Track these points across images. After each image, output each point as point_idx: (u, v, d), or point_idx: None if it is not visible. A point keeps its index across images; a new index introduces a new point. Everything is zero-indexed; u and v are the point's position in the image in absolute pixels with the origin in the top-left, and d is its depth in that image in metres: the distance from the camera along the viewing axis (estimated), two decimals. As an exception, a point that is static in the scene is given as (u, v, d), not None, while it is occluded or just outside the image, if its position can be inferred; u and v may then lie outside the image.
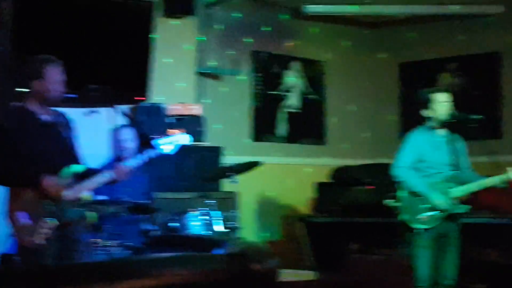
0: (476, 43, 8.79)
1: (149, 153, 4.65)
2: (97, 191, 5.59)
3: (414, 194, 5.34)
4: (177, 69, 7.68)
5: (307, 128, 9.15)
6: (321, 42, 9.25)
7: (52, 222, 4.40)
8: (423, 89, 5.56)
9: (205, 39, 8.10)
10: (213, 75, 8.28)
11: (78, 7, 6.68)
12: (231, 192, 6.75)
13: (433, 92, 5.45)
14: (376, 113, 9.52)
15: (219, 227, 5.99)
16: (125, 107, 7.06)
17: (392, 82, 9.43)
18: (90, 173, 4.62)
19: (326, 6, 8.54)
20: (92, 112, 6.31)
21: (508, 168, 5.24)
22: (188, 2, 7.53)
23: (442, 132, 5.48)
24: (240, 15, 8.47)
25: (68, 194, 4.47)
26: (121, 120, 6.74)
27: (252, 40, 8.62)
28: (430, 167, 5.40)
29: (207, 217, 5.94)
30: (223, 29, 8.36)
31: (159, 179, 6.49)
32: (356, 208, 7.58)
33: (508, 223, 6.86)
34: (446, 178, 5.39)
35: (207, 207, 6.02)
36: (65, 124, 4.69)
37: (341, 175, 7.97)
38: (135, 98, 7.03)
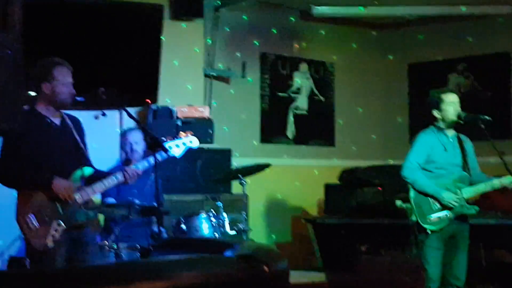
0: (485, 44, 8.77)
1: (158, 156, 4.65)
2: (106, 193, 5.62)
3: (424, 195, 5.33)
4: (185, 71, 7.69)
5: (316, 129, 9.14)
6: (329, 43, 9.25)
7: (61, 225, 4.41)
8: (433, 90, 5.55)
9: (213, 41, 8.10)
10: (221, 77, 8.28)
11: (87, 9, 6.69)
12: (240, 194, 6.73)
13: (442, 93, 5.44)
14: (384, 115, 9.51)
15: (228, 229, 5.98)
16: (134, 110, 7.07)
17: (401, 84, 9.41)
18: (99, 175, 4.62)
19: (334, 7, 8.53)
20: (101, 115, 6.32)
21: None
22: (197, 4, 7.54)
23: (451, 133, 5.48)
24: (248, 17, 8.48)
25: (77, 196, 4.47)
26: (130, 123, 6.75)
27: (260, 42, 8.62)
28: (440, 168, 5.39)
29: (217, 219, 5.93)
30: (231, 31, 8.36)
31: (168, 182, 6.49)
32: (365, 209, 7.56)
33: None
34: (455, 179, 5.38)
35: (216, 209, 6.02)
36: (75, 126, 4.69)
37: (350, 177, 7.95)
38: (144, 100, 7.03)
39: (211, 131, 7.30)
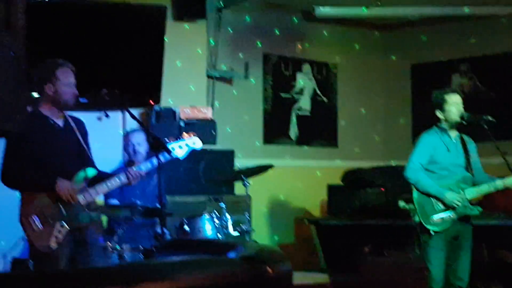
0: (488, 44, 8.76)
1: (161, 157, 4.65)
2: (109, 195, 5.62)
3: (427, 195, 5.32)
4: (188, 72, 7.69)
5: (318, 130, 9.14)
6: (332, 44, 9.25)
7: (64, 226, 4.41)
8: (435, 90, 5.54)
9: (216, 42, 8.10)
10: (224, 78, 8.28)
11: (90, 11, 6.69)
12: (243, 195, 6.73)
13: (445, 93, 5.44)
14: (387, 115, 9.51)
15: (231, 231, 5.98)
16: (137, 111, 7.07)
17: (404, 84, 9.41)
18: (102, 177, 4.62)
19: (337, 8, 8.53)
20: (104, 116, 6.31)
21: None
22: (199, 5, 7.54)
23: (454, 133, 5.47)
24: (251, 18, 8.48)
25: (80, 198, 4.47)
26: (133, 124, 6.75)
27: (262, 43, 8.62)
28: (443, 169, 5.38)
29: (220, 220, 5.93)
30: (234, 32, 8.36)
31: (171, 183, 6.50)
32: (368, 210, 7.56)
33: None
34: (458, 180, 5.37)
35: (219, 210, 6.01)
36: (78, 128, 4.70)
37: (353, 178, 7.94)
38: (147, 101, 7.03)
39: (214, 132, 7.30)
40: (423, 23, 9.12)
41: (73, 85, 4.59)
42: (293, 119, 8.93)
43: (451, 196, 5.27)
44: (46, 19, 6.24)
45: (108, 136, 6.67)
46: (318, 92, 9.15)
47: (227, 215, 6.01)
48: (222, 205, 6.08)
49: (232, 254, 3.12)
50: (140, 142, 6.13)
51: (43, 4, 6.34)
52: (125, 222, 5.23)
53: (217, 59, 8.16)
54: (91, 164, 4.68)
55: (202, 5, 7.58)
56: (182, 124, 7.19)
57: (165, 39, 7.06)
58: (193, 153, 4.95)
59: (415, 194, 5.37)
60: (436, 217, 5.29)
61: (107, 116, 5.99)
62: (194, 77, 7.80)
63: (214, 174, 7.06)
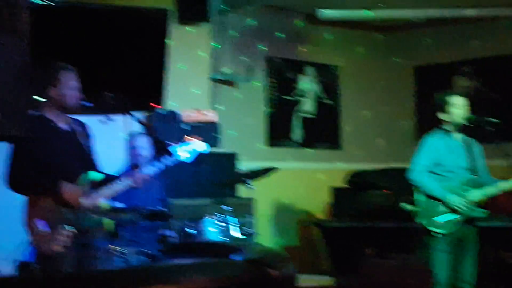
0: (492, 46, 8.75)
1: (166, 161, 4.65)
2: (113, 198, 5.62)
3: (431, 198, 5.32)
4: (192, 76, 7.70)
5: (322, 133, 9.14)
6: (336, 47, 9.25)
7: (70, 230, 4.42)
8: (438, 92, 5.54)
9: (220, 45, 8.11)
10: (227, 81, 8.29)
11: (92, 14, 6.70)
12: (247, 198, 6.74)
13: (449, 95, 5.43)
14: (391, 118, 9.50)
15: (235, 233, 5.98)
16: (141, 114, 7.08)
17: (407, 86, 9.41)
18: (107, 180, 4.63)
19: (341, 11, 8.53)
20: (108, 119, 6.32)
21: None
22: (203, 9, 7.55)
23: (458, 135, 5.47)
24: (254, 21, 8.48)
25: (86, 201, 4.48)
26: (137, 128, 6.75)
27: (266, 46, 8.63)
28: (447, 171, 5.38)
29: (224, 223, 5.93)
30: (238, 35, 8.37)
31: (175, 186, 6.50)
32: (373, 213, 7.56)
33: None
34: (463, 182, 5.36)
35: (223, 213, 6.02)
36: (83, 131, 4.71)
37: (357, 180, 7.95)
38: (151, 105, 7.04)
39: (217, 135, 7.30)
40: (427, 25, 9.11)
41: (76, 89, 4.60)
42: (297, 122, 8.93)
43: (454, 200, 5.26)
44: (49, 23, 6.24)
45: (112, 139, 6.67)
46: (322, 94, 9.15)
47: (231, 218, 6.01)
48: (226, 208, 6.08)
49: (236, 257, 3.12)
50: (144, 145, 6.13)
51: (47, 8, 6.34)
52: (130, 225, 5.23)
53: (221, 62, 8.16)
54: (96, 167, 4.68)
55: (206, 8, 7.58)
56: (185, 127, 7.19)
57: (169, 43, 7.06)
58: (196, 156, 4.95)
59: (419, 196, 5.37)
60: (440, 219, 5.28)
61: (111, 119, 5.99)
62: (198, 80, 7.80)
63: (218, 177, 7.06)
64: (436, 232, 5.27)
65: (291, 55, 8.88)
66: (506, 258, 6.73)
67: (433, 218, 5.28)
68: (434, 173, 5.38)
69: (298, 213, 8.65)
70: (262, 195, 7.17)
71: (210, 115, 7.39)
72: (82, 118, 4.86)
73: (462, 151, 5.43)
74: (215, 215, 5.99)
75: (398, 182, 7.21)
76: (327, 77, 9.20)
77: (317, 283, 7.35)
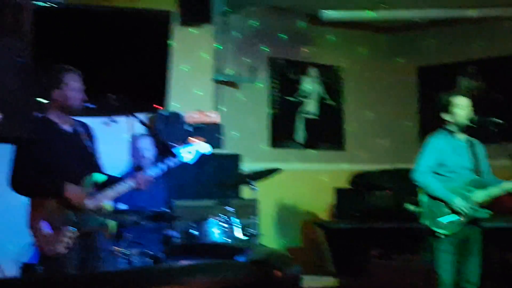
0: (495, 46, 8.75)
1: (169, 162, 4.65)
2: (117, 199, 5.62)
3: (435, 198, 5.31)
4: (195, 77, 7.70)
5: (325, 134, 9.14)
6: (338, 48, 9.25)
7: (73, 231, 4.42)
8: (442, 93, 5.53)
9: (222, 47, 8.11)
10: (230, 83, 8.29)
11: (96, 16, 6.71)
12: (251, 199, 6.74)
13: (452, 96, 5.42)
14: (394, 118, 9.50)
15: (239, 234, 5.98)
16: (144, 116, 7.08)
17: (410, 87, 9.40)
18: (111, 182, 4.63)
19: (343, 12, 8.52)
20: (111, 121, 6.32)
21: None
22: (205, 10, 7.55)
23: (462, 136, 5.46)
24: (257, 22, 8.49)
25: (89, 203, 4.48)
26: (140, 129, 6.75)
27: (269, 47, 8.63)
28: (451, 172, 5.37)
29: (227, 225, 5.93)
30: (240, 36, 8.37)
31: (178, 187, 6.50)
32: (376, 214, 7.55)
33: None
34: (466, 183, 5.36)
35: (226, 215, 6.02)
36: (86, 133, 4.71)
37: (361, 181, 7.94)
38: (154, 106, 7.04)
39: (220, 137, 7.30)
40: (430, 26, 9.11)
41: (80, 91, 4.60)
42: (300, 123, 8.93)
43: (458, 203, 5.25)
44: (52, 25, 6.25)
45: (115, 141, 6.67)
46: (325, 95, 9.15)
47: (234, 219, 6.01)
48: (230, 209, 6.08)
49: (240, 258, 3.12)
50: (147, 147, 6.14)
51: (50, 10, 6.35)
52: (133, 226, 5.23)
53: (224, 64, 8.17)
54: (100, 169, 4.68)
55: (208, 9, 7.59)
56: (189, 128, 7.19)
57: (171, 44, 7.06)
58: (200, 158, 4.95)
59: (423, 197, 5.36)
60: (445, 220, 5.28)
61: (114, 121, 5.99)
62: (201, 81, 7.81)
63: (221, 178, 7.06)
64: (440, 233, 5.26)
65: (293, 56, 8.89)
66: (511, 259, 6.72)
67: (437, 219, 5.28)
68: (438, 173, 5.37)
69: (302, 214, 8.64)
70: (265, 196, 7.17)
71: (213, 116, 7.39)
72: (86, 120, 4.86)
73: (465, 151, 5.42)
74: (219, 216, 5.99)
75: (401, 183, 7.20)
76: (330, 78, 9.20)
77: (321, 284, 7.34)
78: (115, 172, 5.79)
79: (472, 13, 8.36)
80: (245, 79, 8.34)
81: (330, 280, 7.44)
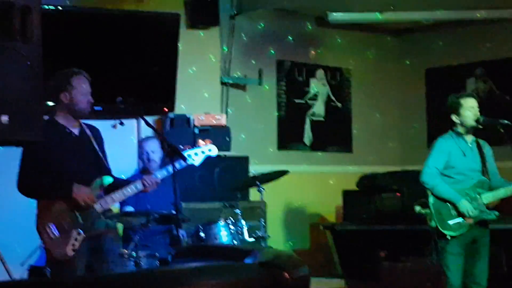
0: (503, 48, 8.72)
1: (177, 164, 4.66)
2: (124, 202, 5.64)
3: (443, 200, 5.30)
4: (202, 79, 7.70)
5: (333, 136, 9.12)
6: (346, 50, 9.24)
7: (81, 234, 4.42)
8: (451, 94, 5.52)
9: (230, 49, 8.11)
10: (237, 85, 8.29)
11: (104, 19, 6.72)
12: (258, 201, 6.74)
13: (460, 97, 5.41)
14: (402, 120, 9.48)
15: (247, 237, 5.98)
16: (151, 118, 7.09)
17: (418, 89, 9.38)
18: (119, 184, 4.64)
19: (350, 14, 8.52)
20: (119, 123, 6.34)
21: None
22: (213, 13, 7.56)
23: (470, 137, 5.45)
24: (264, 25, 8.49)
25: (97, 205, 4.49)
26: (148, 132, 6.77)
27: (276, 49, 8.62)
28: (459, 173, 5.36)
29: (235, 227, 5.93)
30: (248, 39, 8.37)
31: (186, 190, 6.50)
32: (384, 216, 7.53)
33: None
34: (474, 184, 5.35)
35: (234, 217, 6.02)
36: (94, 136, 4.71)
37: (369, 183, 7.92)
38: (161, 109, 7.05)
39: (228, 139, 7.30)
40: (437, 28, 9.09)
41: (88, 93, 4.61)
42: (307, 125, 8.92)
43: (465, 206, 5.24)
44: (61, 28, 6.26)
45: (123, 144, 6.68)
46: (332, 97, 9.14)
47: (242, 221, 6.01)
48: (237, 211, 6.08)
49: (249, 260, 3.11)
50: (154, 149, 6.14)
51: (58, 13, 6.36)
52: (141, 229, 5.24)
53: (231, 66, 8.16)
54: (107, 172, 4.69)
55: (216, 12, 7.59)
56: (196, 131, 7.19)
57: (179, 47, 7.07)
58: (207, 160, 4.96)
59: (431, 199, 5.35)
60: (453, 221, 5.27)
61: (122, 124, 6.01)
62: (208, 84, 7.81)
63: (229, 180, 7.06)
64: (448, 235, 5.24)
65: (301, 58, 8.87)
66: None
67: (445, 221, 5.27)
68: (446, 175, 5.36)
69: (309, 217, 8.63)
70: (273, 199, 7.17)
71: (221, 119, 7.39)
72: (94, 123, 4.87)
73: (473, 153, 5.41)
74: (227, 218, 5.98)
75: (409, 185, 7.19)
76: (338, 80, 9.19)
77: (328, 286, 7.33)
78: (123, 174, 5.80)
79: (480, 14, 8.33)
80: (252, 82, 8.33)
81: (337, 283, 7.42)
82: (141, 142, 6.35)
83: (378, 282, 6.25)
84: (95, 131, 4.77)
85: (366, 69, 9.34)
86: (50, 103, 4.69)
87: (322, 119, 9.04)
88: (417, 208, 5.54)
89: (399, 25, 9.17)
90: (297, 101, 8.86)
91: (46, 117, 4.50)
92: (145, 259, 5.18)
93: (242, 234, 5.97)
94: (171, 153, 4.62)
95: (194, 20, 7.59)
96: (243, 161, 7.44)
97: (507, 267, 6.57)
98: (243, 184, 6.90)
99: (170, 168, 4.67)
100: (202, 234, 5.86)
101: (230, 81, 8.14)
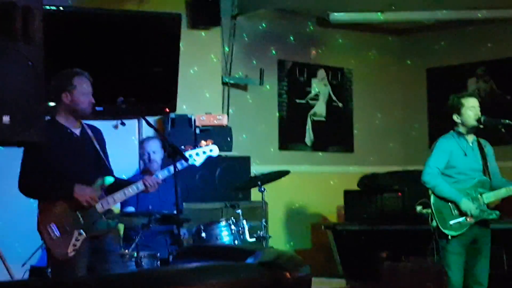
0: (504, 47, 8.72)
1: (178, 165, 4.66)
2: (126, 202, 5.64)
3: (444, 200, 5.30)
4: (203, 79, 7.71)
5: (334, 136, 9.12)
6: (347, 50, 9.24)
7: (82, 234, 4.43)
8: (452, 94, 5.52)
9: (231, 49, 8.11)
10: (239, 85, 8.29)
11: (106, 20, 6.72)
12: (260, 201, 6.73)
13: (462, 97, 5.41)
14: (403, 120, 9.48)
15: (248, 237, 5.98)
16: (153, 119, 7.09)
17: (420, 89, 9.38)
18: (120, 185, 4.64)
19: (352, 14, 8.52)
20: (120, 124, 6.35)
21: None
22: (214, 13, 7.56)
23: (471, 137, 5.45)
24: (266, 25, 8.49)
25: (98, 206, 4.49)
26: (149, 132, 6.77)
27: (277, 49, 8.63)
28: (460, 173, 5.36)
29: (236, 227, 5.93)
30: (249, 39, 8.38)
31: (187, 190, 6.50)
32: (385, 216, 7.53)
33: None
34: (475, 184, 5.35)
35: (236, 217, 6.02)
36: (95, 136, 4.71)
37: (370, 183, 7.92)
38: (163, 109, 7.05)
39: (229, 139, 7.31)
40: (438, 28, 9.09)
41: (89, 94, 4.62)
42: (309, 125, 8.92)
43: (467, 204, 5.24)
44: (63, 29, 6.27)
45: (124, 144, 6.69)
46: (333, 97, 9.14)
47: (243, 221, 6.01)
48: (239, 211, 6.08)
49: (251, 260, 3.10)
50: (156, 150, 6.15)
51: (60, 14, 6.37)
52: (142, 229, 5.24)
53: (232, 66, 8.17)
54: (109, 172, 4.69)
55: (217, 12, 7.60)
56: (197, 131, 7.20)
57: (180, 47, 7.07)
58: (209, 160, 4.96)
59: (432, 199, 5.35)
60: (453, 221, 5.27)
61: (123, 124, 6.02)
62: (209, 84, 7.82)
63: (230, 180, 7.06)
64: (449, 234, 5.24)
65: (302, 58, 8.88)
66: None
67: (446, 220, 5.27)
68: (447, 175, 5.36)
69: (311, 217, 8.64)
70: (274, 199, 7.17)
71: (222, 119, 7.39)
72: (95, 123, 4.87)
73: (475, 153, 5.41)
74: (229, 218, 5.99)
75: (411, 185, 7.19)
76: (339, 80, 9.19)
77: (330, 286, 7.33)
78: (125, 174, 5.81)
79: (481, 14, 8.33)
80: (254, 82, 8.33)
81: (339, 282, 7.42)
82: (142, 143, 6.36)
83: (379, 282, 6.25)
84: (96, 131, 4.77)
85: (367, 69, 9.34)
86: (52, 104, 4.69)
87: (323, 119, 9.04)
88: (418, 208, 5.54)
89: (400, 25, 9.17)
90: (298, 101, 8.86)
91: (47, 117, 4.50)
92: (146, 260, 5.19)
93: (244, 234, 5.96)
94: (173, 153, 4.62)
95: (196, 21, 7.59)
96: (245, 161, 7.44)
97: (508, 267, 6.57)
98: (245, 184, 6.91)
99: (171, 169, 4.67)
100: (203, 234, 5.85)
101: (232, 81, 8.14)
